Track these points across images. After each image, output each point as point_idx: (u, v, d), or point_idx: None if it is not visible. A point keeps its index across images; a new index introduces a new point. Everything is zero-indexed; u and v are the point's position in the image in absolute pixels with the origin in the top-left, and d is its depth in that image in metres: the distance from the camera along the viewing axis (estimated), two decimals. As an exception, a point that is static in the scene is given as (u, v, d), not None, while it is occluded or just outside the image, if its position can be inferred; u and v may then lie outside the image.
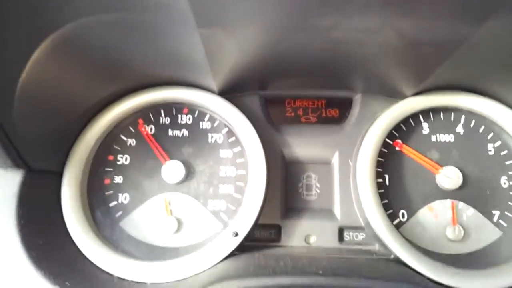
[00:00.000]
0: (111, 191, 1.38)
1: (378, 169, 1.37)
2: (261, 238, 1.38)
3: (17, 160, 1.14)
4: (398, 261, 1.23)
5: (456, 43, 1.00)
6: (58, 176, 1.32)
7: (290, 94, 1.51)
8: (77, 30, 0.99)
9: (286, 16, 0.91)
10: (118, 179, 1.40)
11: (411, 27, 0.92)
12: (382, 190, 1.36)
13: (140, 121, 1.44)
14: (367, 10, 0.85)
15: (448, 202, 1.35)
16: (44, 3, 0.89)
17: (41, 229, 1.20)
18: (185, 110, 1.45)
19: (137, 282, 1.20)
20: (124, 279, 1.21)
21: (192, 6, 0.86)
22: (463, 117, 1.41)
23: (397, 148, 1.40)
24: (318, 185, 1.44)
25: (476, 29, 0.92)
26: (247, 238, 1.30)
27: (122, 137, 1.42)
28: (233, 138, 1.42)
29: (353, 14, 0.87)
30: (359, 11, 0.86)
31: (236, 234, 1.25)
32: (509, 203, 1.34)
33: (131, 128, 1.43)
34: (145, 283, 1.20)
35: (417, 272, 1.19)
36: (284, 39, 1.03)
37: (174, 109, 1.45)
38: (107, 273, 1.22)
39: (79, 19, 0.97)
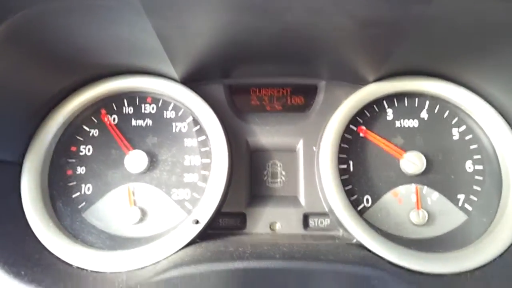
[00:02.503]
0: (74, 182, 1.37)
1: (342, 155, 1.37)
2: (226, 226, 1.38)
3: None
4: (360, 246, 1.23)
5: (408, 23, 0.99)
6: (18, 167, 1.30)
7: (255, 82, 1.50)
8: (28, 20, 0.99)
9: None
10: (81, 170, 1.38)
11: (361, 6, 0.91)
12: (347, 176, 1.35)
13: (103, 111, 1.43)
14: None
15: (412, 186, 1.35)
16: None
17: None
18: (149, 99, 1.44)
19: (96, 272, 1.19)
20: (83, 269, 1.19)
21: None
22: (427, 102, 1.41)
23: (361, 134, 1.39)
24: (283, 172, 1.44)
25: (426, 7, 0.91)
26: (211, 226, 1.30)
27: (85, 127, 1.41)
28: (197, 127, 1.41)
29: None
30: None
31: (197, 222, 1.24)
32: (474, 187, 1.34)
33: (93, 118, 1.42)
34: (105, 272, 1.18)
35: (379, 256, 1.18)
36: (239, 23, 1.02)
37: (137, 99, 1.44)
38: (67, 263, 1.21)
39: (30, 8, 0.96)
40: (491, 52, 1.16)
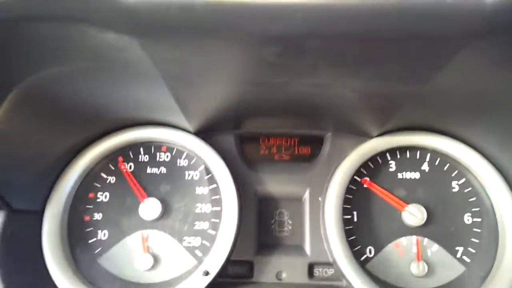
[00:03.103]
0: (90, 228, 1.43)
1: (347, 206, 1.42)
2: (234, 275, 1.43)
3: (-1, 202, 1.18)
4: (362, 298, 1.27)
5: (407, 96, 1.06)
6: (39, 215, 1.37)
7: (264, 132, 1.57)
8: (39, 84, 1.04)
9: (244, 77, 0.97)
10: (98, 216, 1.44)
11: (360, 85, 0.98)
12: (351, 227, 1.41)
13: (120, 159, 1.49)
14: (315, 71, 0.91)
15: (413, 238, 1.40)
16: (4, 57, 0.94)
17: (22, 266, 1.25)
18: (164, 148, 1.51)
19: None
20: None
21: (161, 74, 0.93)
22: (428, 155, 1.47)
23: (365, 186, 1.45)
24: (290, 221, 1.50)
25: (424, 85, 0.98)
26: (220, 274, 1.35)
27: (103, 174, 1.48)
28: (209, 175, 1.47)
29: (302, 75, 0.94)
30: (307, 72, 0.92)
31: (207, 273, 1.30)
32: (472, 239, 1.39)
33: (111, 166, 1.49)
34: None
35: None
36: (246, 92, 1.09)
37: (153, 147, 1.51)
38: None
39: (42, 71, 1.01)
40: (486, 114, 1.22)
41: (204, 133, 1.48)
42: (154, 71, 0.94)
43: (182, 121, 1.37)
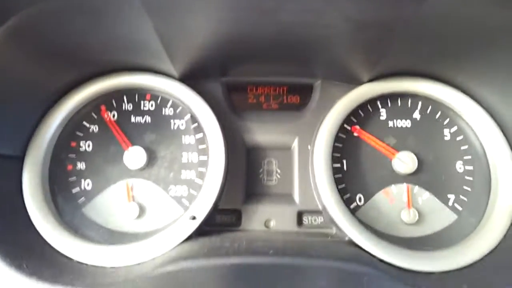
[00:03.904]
0: (73, 177, 1.40)
1: (336, 154, 1.40)
2: (222, 223, 1.41)
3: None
4: (352, 243, 1.26)
5: (400, 24, 1.02)
6: (19, 161, 1.33)
7: (252, 80, 1.53)
8: (27, 19, 1.01)
9: None
10: (81, 165, 1.41)
11: (353, 7, 0.94)
12: (340, 175, 1.39)
13: (103, 107, 1.45)
14: None
15: (403, 186, 1.38)
16: None
17: (1, 212, 1.21)
18: (148, 96, 1.46)
19: (95, 266, 1.22)
20: (83, 263, 1.22)
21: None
22: (420, 103, 1.44)
23: (355, 134, 1.42)
24: (278, 170, 1.47)
25: (419, 7, 0.94)
26: (208, 222, 1.32)
27: (85, 123, 1.43)
28: (195, 125, 1.43)
29: None
30: None
31: (194, 218, 1.27)
32: (464, 187, 1.37)
33: (93, 114, 1.45)
34: (104, 266, 1.21)
35: (370, 254, 1.21)
36: (235, 21, 1.05)
37: (136, 95, 1.47)
38: (67, 257, 1.24)
39: (31, 7, 0.98)
40: (481, 55, 1.19)
41: (190, 79, 1.43)
42: (137, 3, 0.89)
43: (167, 65, 1.33)
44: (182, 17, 1.00)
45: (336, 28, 1.04)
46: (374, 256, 1.21)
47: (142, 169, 1.39)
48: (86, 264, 1.22)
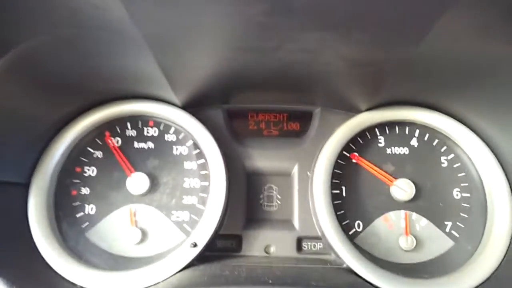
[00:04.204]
0: (78, 202, 1.42)
1: (336, 180, 1.42)
2: (222, 248, 1.43)
3: (-17, 173, 1.17)
4: (350, 270, 1.28)
5: (395, 63, 1.05)
6: (25, 188, 1.36)
7: (253, 107, 1.56)
8: (26, 52, 1.03)
9: (232, 40, 0.96)
10: (85, 191, 1.43)
11: (348, 49, 0.98)
12: (339, 201, 1.41)
13: (107, 133, 1.48)
14: (304, 33, 0.90)
15: (401, 213, 1.40)
16: None
17: (7, 238, 1.24)
18: (151, 123, 1.49)
19: None
20: None
21: (143, 34, 0.91)
22: (417, 131, 1.47)
23: (354, 161, 1.44)
24: (278, 196, 1.49)
25: (412, 50, 0.97)
26: (209, 248, 1.35)
27: (89, 149, 1.46)
28: (197, 151, 1.46)
29: (291, 38, 0.92)
30: (297, 36, 0.91)
31: (195, 245, 1.30)
32: (461, 214, 1.39)
33: (98, 141, 1.48)
34: None
35: (367, 281, 1.23)
36: (236, 59, 1.08)
37: (140, 122, 1.50)
38: (70, 282, 1.26)
39: (27, 41, 1.01)
40: (473, 86, 1.22)
41: (192, 107, 1.47)
42: (138, 35, 0.92)
43: (169, 94, 1.36)
44: (184, 53, 1.03)
45: (333, 65, 1.07)
46: (371, 284, 1.22)
47: (145, 194, 1.41)
48: None
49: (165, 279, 1.25)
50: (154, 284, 1.24)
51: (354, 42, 0.94)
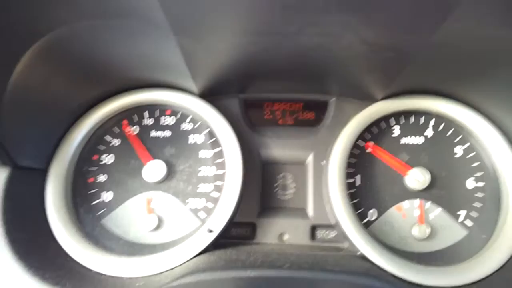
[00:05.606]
0: (95, 190, 1.45)
1: (350, 169, 1.43)
2: (237, 236, 1.45)
3: (4, 158, 1.20)
4: (364, 258, 1.29)
5: (414, 49, 1.06)
6: (43, 174, 1.38)
7: (269, 97, 1.57)
8: (60, 37, 1.06)
9: (256, 23, 0.97)
10: (102, 178, 1.46)
11: (370, 32, 0.98)
12: (354, 190, 1.42)
13: (125, 121, 1.50)
14: (326, 16, 0.91)
15: (416, 201, 1.41)
16: (26, 14, 0.96)
17: (24, 223, 1.25)
18: (168, 112, 1.51)
19: (114, 277, 1.26)
20: (102, 274, 1.26)
21: (168, 17, 0.93)
22: (432, 120, 1.47)
23: (368, 150, 1.45)
24: (293, 185, 1.51)
25: (432, 33, 0.97)
26: (223, 235, 1.36)
27: (107, 137, 1.49)
28: (213, 139, 1.48)
29: (314, 20, 0.93)
30: (319, 16, 0.92)
31: (211, 231, 1.31)
32: (475, 203, 1.40)
33: (115, 129, 1.50)
34: (122, 277, 1.25)
35: (381, 268, 1.24)
36: (258, 43, 1.09)
37: (158, 111, 1.52)
38: (87, 268, 1.28)
39: (61, 27, 1.04)
40: (491, 75, 1.21)
41: (209, 96, 1.48)
42: (164, 20, 0.94)
43: (188, 82, 1.37)
44: (208, 37, 1.04)
45: (353, 50, 1.07)
46: (385, 271, 1.23)
47: (161, 182, 1.43)
48: (105, 275, 1.26)
49: (181, 264, 1.25)
50: (170, 269, 1.24)
51: (375, 25, 0.94)
